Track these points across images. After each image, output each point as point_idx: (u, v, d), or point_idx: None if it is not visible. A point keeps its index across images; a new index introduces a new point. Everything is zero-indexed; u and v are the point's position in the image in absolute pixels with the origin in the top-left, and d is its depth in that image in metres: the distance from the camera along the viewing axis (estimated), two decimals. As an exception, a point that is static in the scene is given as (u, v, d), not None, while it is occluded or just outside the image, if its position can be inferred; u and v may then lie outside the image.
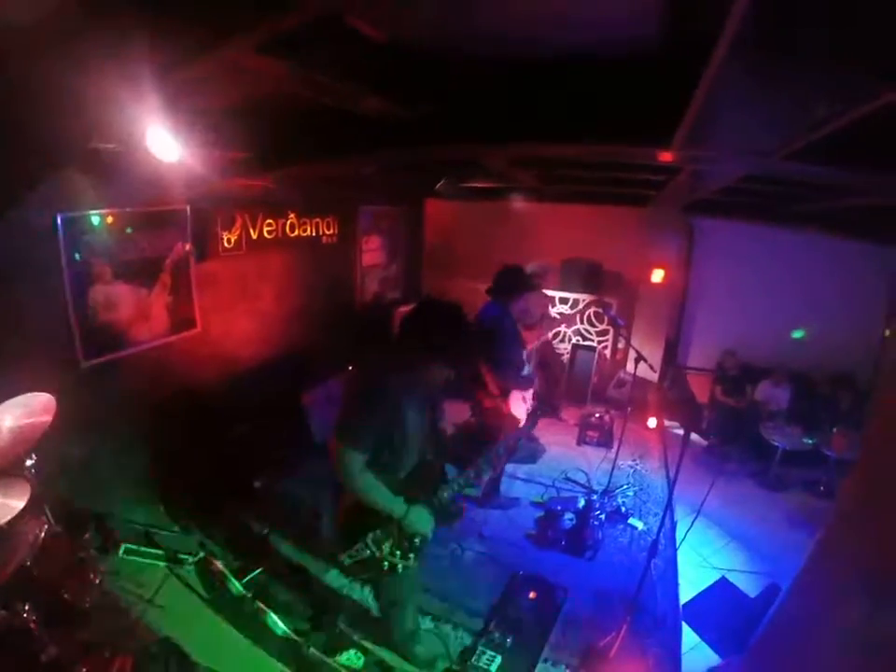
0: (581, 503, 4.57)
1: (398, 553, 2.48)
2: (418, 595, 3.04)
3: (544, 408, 6.06)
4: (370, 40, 1.96)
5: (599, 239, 7.28)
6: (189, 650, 2.86)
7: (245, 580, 3.55)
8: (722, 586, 4.08)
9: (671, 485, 3.16)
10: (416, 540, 2.52)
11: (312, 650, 3.07)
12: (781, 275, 6.22)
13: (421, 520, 2.45)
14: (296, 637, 3.16)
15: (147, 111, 2.33)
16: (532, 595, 3.67)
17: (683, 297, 7.08)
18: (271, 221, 5.39)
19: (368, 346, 5.93)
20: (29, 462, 2.85)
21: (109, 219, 3.84)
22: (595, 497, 4.85)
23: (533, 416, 3.65)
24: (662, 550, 4.10)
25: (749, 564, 4.31)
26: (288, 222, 5.64)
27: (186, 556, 3.67)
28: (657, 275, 6.80)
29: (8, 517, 2.50)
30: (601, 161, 3.52)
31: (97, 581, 3.03)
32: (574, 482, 5.31)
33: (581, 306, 7.39)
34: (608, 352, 7.50)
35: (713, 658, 3.42)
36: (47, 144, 2.43)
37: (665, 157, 2.68)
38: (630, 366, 5.58)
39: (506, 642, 3.28)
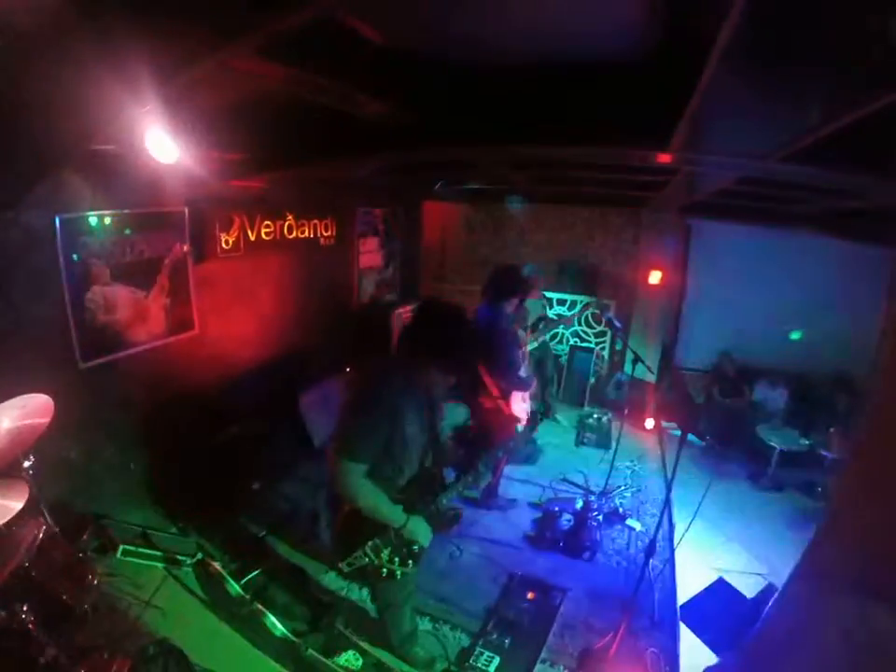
0: (579, 504, 4.58)
1: (396, 560, 2.48)
2: (415, 597, 3.04)
3: (544, 411, 6.10)
4: (369, 42, 1.97)
5: (597, 241, 7.30)
6: (187, 651, 2.85)
7: (244, 581, 3.55)
8: (720, 587, 4.09)
9: (669, 486, 3.16)
10: (415, 547, 2.53)
11: (310, 651, 3.07)
12: (778, 277, 6.22)
13: (420, 529, 2.45)
14: (294, 639, 3.16)
15: (146, 113, 2.33)
16: (530, 595, 3.67)
17: (680, 298, 7.09)
18: (269, 223, 5.39)
19: (366, 350, 5.96)
20: (27, 463, 2.85)
21: (107, 221, 3.84)
22: (592, 498, 4.87)
23: (534, 419, 3.67)
24: (659, 551, 4.11)
25: (747, 564, 4.32)
26: (286, 224, 5.64)
27: (184, 558, 3.67)
28: (654, 277, 6.81)
29: (6, 518, 2.50)
30: (599, 164, 3.53)
31: (95, 583, 3.03)
32: (572, 483, 5.32)
33: (578, 308, 7.41)
34: (605, 353, 7.52)
35: (711, 658, 3.42)
36: (45, 145, 2.43)
37: (663, 159, 2.68)
38: (627, 367, 5.59)
39: (504, 643, 3.29)
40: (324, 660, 3.05)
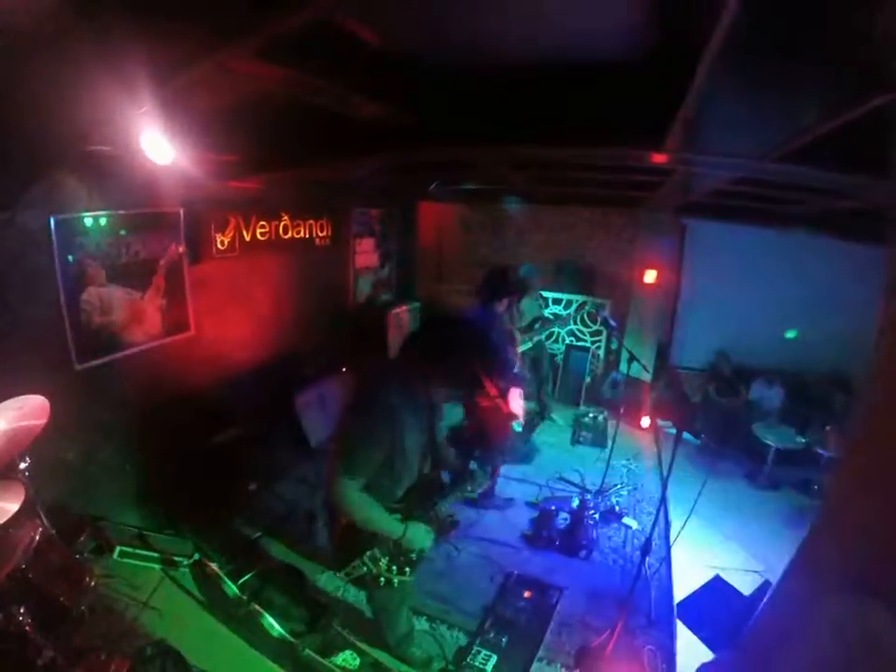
0: (576, 503, 4.59)
1: (394, 568, 2.48)
2: (412, 598, 3.04)
3: (541, 411, 6.11)
4: (367, 44, 1.97)
5: (594, 241, 7.32)
6: (184, 652, 2.85)
7: (241, 581, 3.55)
8: (717, 584, 4.10)
9: (664, 484, 3.18)
10: (412, 556, 2.53)
11: (307, 651, 3.07)
12: (774, 276, 6.24)
13: (419, 538, 2.44)
14: (291, 639, 3.16)
15: (142, 114, 2.33)
16: (527, 594, 3.68)
17: (676, 297, 7.11)
18: (264, 223, 5.39)
19: (362, 350, 5.97)
20: (23, 465, 2.83)
21: (103, 222, 3.83)
22: (589, 496, 4.87)
23: (532, 423, 3.68)
24: (656, 549, 4.13)
25: (744, 562, 4.33)
26: (282, 224, 5.63)
27: (181, 559, 3.67)
28: (650, 276, 6.83)
29: (3, 520, 2.50)
30: (595, 164, 3.54)
31: (92, 584, 3.02)
32: (568, 481, 5.32)
33: (574, 307, 7.42)
34: (601, 352, 7.54)
35: (708, 656, 3.43)
36: (41, 146, 2.43)
37: (658, 159, 2.69)
38: (623, 366, 5.60)
39: (501, 642, 3.30)
40: (321, 660, 3.05)
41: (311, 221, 6.07)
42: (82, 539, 3.54)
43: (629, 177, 4.00)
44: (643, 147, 2.53)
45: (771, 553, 4.30)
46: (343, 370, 5.88)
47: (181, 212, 4.44)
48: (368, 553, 2.41)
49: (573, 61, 2.13)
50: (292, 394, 5.26)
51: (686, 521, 3.96)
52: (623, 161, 3.15)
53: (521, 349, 5.05)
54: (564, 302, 7.49)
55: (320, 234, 6.26)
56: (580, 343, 7.58)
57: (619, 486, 5.18)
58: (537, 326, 5.47)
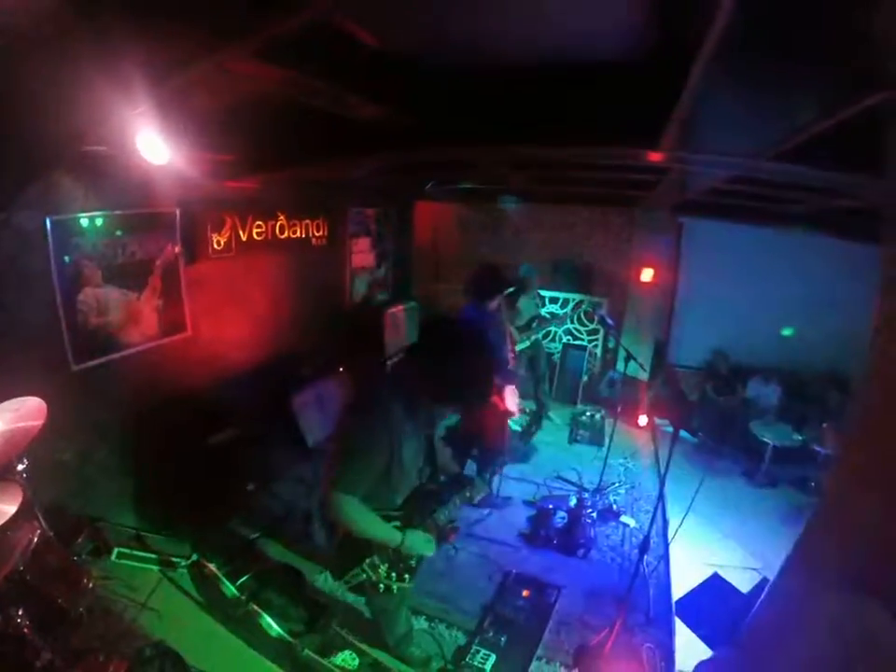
0: (573, 502, 4.60)
1: (393, 575, 2.48)
2: (410, 599, 3.04)
3: (541, 413, 6.12)
4: (365, 46, 1.97)
5: (589, 239, 7.32)
6: (183, 653, 2.85)
7: (239, 582, 3.55)
8: (715, 582, 4.11)
9: (662, 482, 3.18)
10: (412, 562, 2.52)
11: (307, 651, 3.07)
12: (770, 274, 6.25)
13: (418, 545, 2.43)
14: (290, 639, 3.16)
15: (139, 114, 2.32)
16: (525, 593, 3.69)
17: (673, 296, 7.13)
18: (260, 223, 5.37)
19: (358, 350, 5.97)
20: (20, 467, 2.83)
21: (99, 222, 3.82)
22: (586, 495, 4.87)
23: (530, 428, 3.68)
24: (654, 547, 4.14)
25: (742, 560, 4.35)
26: (278, 224, 5.62)
27: (179, 559, 3.67)
28: (647, 275, 6.85)
29: (0, 522, 2.49)
30: (592, 163, 3.54)
31: (90, 586, 3.02)
32: (566, 480, 5.34)
33: (571, 306, 7.43)
34: (598, 351, 7.55)
35: (707, 653, 3.44)
36: (37, 146, 2.42)
37: (654, 157, 2.70)
38: (620, 365, 5.62)
39: (500, 641, 3.30)
40: (320, 660, 3.05)
41: (307, 221, 6.06)
42: (80, 540, 3.53)
43: (626, 176, 4.01)
44: (640, 146, 2.53)
45: (769, 550, 4.31)
46: (340, 369, 5.87)
47: (177, 212, 4.43)
48: (367, 560, 2.39)
49: (571, 61, 2.13)
50: (289, 394, 5.25)
51: (684, 519, 3.97)
52: (621, 159, 3.16)
53: (518, 348, 5.06)
54: (561, 301, 7.51)
55: (317, 234, 6.24)
56: (577, 342, 7.60)
57: (616, 485, 5.19)
58: (534, 325, 5.48)
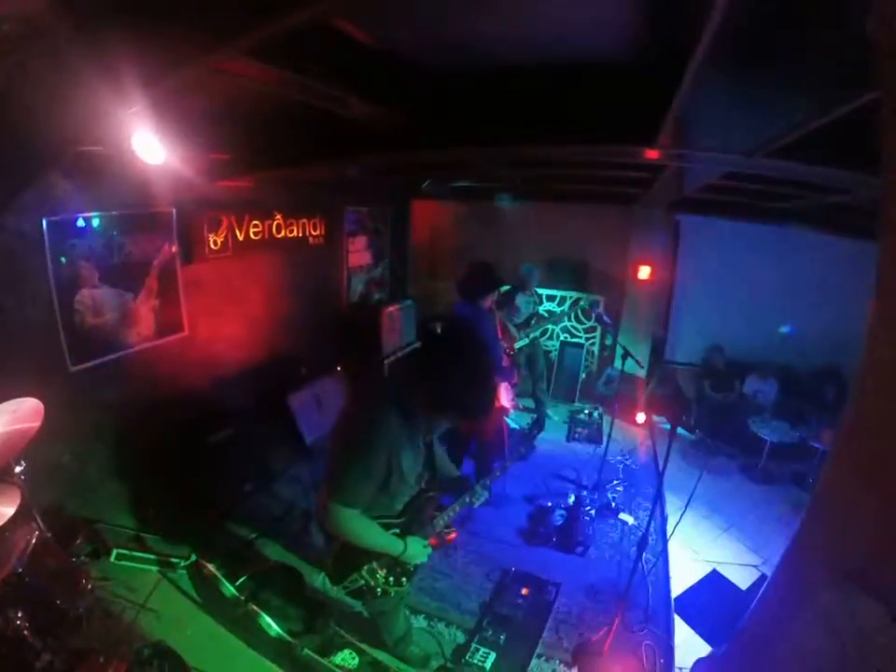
0: (572, 499, 4.61)
1: (391, 579, 2.47)
2: (408, 599, 3.03)
3: (542, 423, 6.12)
4: (361, 46, 1.97)
5: (586, 237, 7.33)
6: (182, 653, 2.85)
7: (238, 582, 3.55)
8: (714, 579, 4.13)
9: (660, 480, 3.19)
10: (410, 567, 2.51)
11: (306, 651, 3.08)
12: (767, 271, 6.27)
13: (418, 553, 2.41)
14: (290, 639, 3.17)
15: (134, 114, 2.32)
16: (524, 591, 3.69)
17: (670, 293, 7.14)
18: (257, 223, 5.36)
19: (356, 349, 5.96)
20: (18, 468, 2.82)
21: (95, 223, 3.81)
22: (585, 492, 4.88)
23: (529, 437, 3.68)
24: (652, 544, 4.15)
25: (740, 556, 4.36)
26: (275, 223, 5.61)
27: (178, 560, 3.66)
28: (643, 272, 6.86)
29: (-1, 524, 2.49)
30: (589, 161, 3.55)
31: (89, 587, 3.02)
32: (564, 478, 5.34)
33: (568, 304, 7.44)
34: (595, 349, 7.56)
35: (706, 650, 3.46)
36: (32, 147, 2.41)
37: (651, 155, 2.70)
38: (618, 362, 5.62)
39: (499, 639, 3.31)
40: (320, 660, 3.05)
41: (304, 220, 6.05)
42: (78, 541, 3.52)
43: (623, 174, 4.01)
44: (637, 144, 2.53)
45: (767, 546, 4.33)
46: (338, 368, 5.88)
47: (173, 212, 4.42)
48: (366, 567, 2.37)
49: (567, 59, 2.13)
50: (286, 393, 5.25)
51: (682, 515, 3.97)
52: (618, 157, 3.16)
53: (517, 346, 5.06)
54: (558, 299, 7.52)
55: (313, 233, 6.23)
56: (574, 340, 7.61)
57: (614, 482, 5.19)
58: (532, 322, 5.48)
